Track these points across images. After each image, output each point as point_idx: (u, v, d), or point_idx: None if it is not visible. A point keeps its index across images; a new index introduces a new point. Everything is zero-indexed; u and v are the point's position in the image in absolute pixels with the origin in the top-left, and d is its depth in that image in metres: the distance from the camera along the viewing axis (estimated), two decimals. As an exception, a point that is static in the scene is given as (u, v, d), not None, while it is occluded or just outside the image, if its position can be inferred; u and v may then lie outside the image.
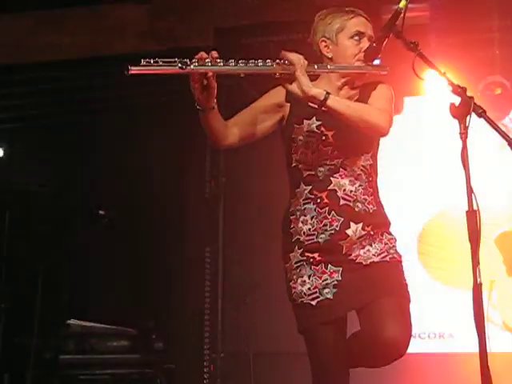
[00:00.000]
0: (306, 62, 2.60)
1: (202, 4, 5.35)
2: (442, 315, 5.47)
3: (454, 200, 5.28)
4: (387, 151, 5.54)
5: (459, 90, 2.36)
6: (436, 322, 5.49)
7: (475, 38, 5.35)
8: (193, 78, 2.57)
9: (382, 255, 2.76)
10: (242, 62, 2.55)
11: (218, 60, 2.54)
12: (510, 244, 3.56)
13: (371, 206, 2.81)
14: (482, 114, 2.30)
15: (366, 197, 2.81)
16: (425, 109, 5.64)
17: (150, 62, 2.46)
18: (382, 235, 2.80)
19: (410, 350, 5.48)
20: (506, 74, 5.46)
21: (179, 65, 2.49)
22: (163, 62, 2.48)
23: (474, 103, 2.30)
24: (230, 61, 2.54)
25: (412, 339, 5.86)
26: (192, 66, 2.50)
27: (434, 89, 5.31)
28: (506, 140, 2.25)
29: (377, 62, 5.00)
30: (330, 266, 2.75)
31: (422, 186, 5.73)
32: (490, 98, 5.38)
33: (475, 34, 5.31)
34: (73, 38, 5.49)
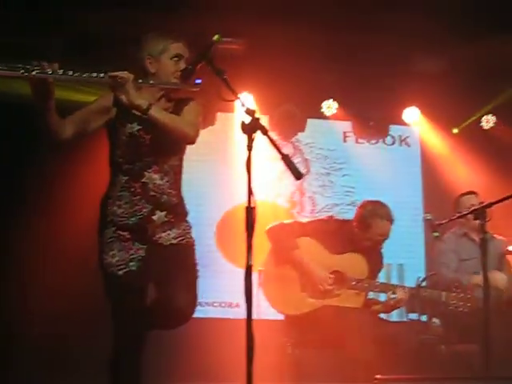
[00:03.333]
0: (133, 76, 2.62)
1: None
2: (231, 288, 5.60)
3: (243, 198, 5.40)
4: (200, 155, 5.69)
5: (250, 112, 2.42)
6: (227, 293, 5.59)
7: (277, 73, 5.48)
8: (33, 83, 2.49)
9: (179, 238, 2.81)
10: (77, 73, 2.53)
11: (58, 70, 2.49)
12: (277, 236, 3.71)
13: (174, 199, 2.84)
14: (265, 132, 2.36)
15: (171, 191, 2.83)
16: (233, 122, 5.70)
17: (-4, 65, 2.36)
18: (180, 222, 2.85)
19: (207, 315, 5.58)
20: (298, 103, 5.70)
21: (22, 70, 2.41)
22: (8, 66, 2.39)
23: (260, 123, 2.36)
24: (69, 71, 2.51)
25: (207, 307, 5.95)
26: (34, 73, 2.44)
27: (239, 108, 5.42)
28: (280, 154, 2.33)
29: (198, 81, 5.04)
30: (136, 243, 2.76)
31: (222, 184, 5.79)
32: (283, 121, 5.60)
33: (277, 70, 5.44)
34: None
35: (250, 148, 2.34)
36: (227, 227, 5.64)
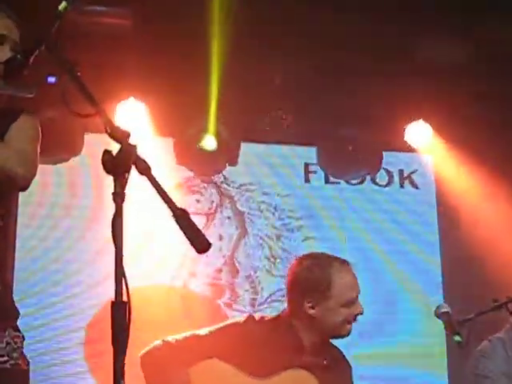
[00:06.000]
0: None
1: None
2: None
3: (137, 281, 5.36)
4: (59, 207, 5.59)
5: (119, 136, 2.35)
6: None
7: (188, 67, 5.50)
8: None
9: (2, 360, 2.73)
10: None
11: None
12: (153, 369, 3.68)
13: (-6, 286, 2.77)
14: (144, 170, 2.30)
15: (-12, 271, 2.77)
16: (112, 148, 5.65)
17: None
18: (4, 331, 2.77)
19: None
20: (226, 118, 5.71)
21: None
22: None
23: (136, 155, 2.30)
24: None
25: None
26: None
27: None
28: (172, 211, 2.26)
29: (52, 79, 4.97)
30: None
31: (98, 254, 5.68)
32: (205, 153, 5.58)
33: (188, 62, 5.46)
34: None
35: (118, 198, 2.26)
36: (105, 332, 5.53)
